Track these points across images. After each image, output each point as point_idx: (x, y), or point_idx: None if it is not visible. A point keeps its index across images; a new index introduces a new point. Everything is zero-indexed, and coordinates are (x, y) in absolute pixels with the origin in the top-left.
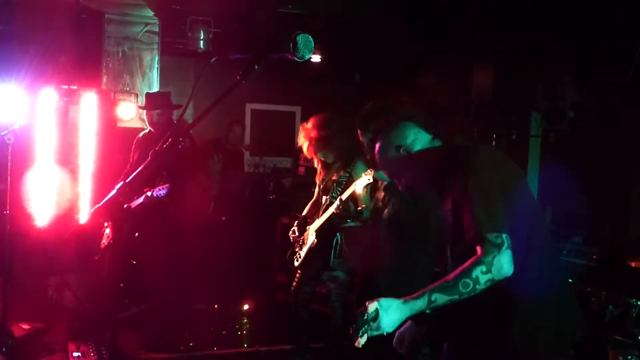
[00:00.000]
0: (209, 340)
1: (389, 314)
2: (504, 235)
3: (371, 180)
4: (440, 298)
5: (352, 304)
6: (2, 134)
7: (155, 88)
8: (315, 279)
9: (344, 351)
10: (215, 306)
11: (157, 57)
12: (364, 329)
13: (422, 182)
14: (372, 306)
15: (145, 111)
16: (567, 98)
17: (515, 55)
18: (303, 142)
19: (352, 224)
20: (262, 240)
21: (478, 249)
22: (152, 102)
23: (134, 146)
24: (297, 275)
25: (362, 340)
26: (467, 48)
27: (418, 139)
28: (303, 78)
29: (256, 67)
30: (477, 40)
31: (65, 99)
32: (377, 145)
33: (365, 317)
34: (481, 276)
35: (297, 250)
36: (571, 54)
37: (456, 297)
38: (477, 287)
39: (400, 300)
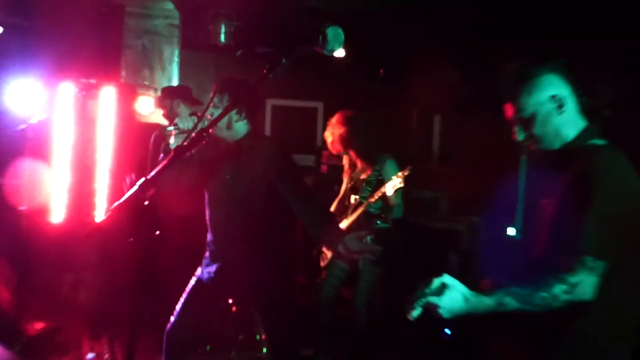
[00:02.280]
0: (226, 342)
1: (454, 296)
2: (602, 263)
3: (402, 185)
4: (511, 303)
5: (377, 309)
6: (20, 127)
7: (175, 82)
8: (340, 281)
9: (368, 358)
10: (234, 308)
11: (177, 51)
12: (421, 301)
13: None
14: (438, 280)
15: (161, 105)
16: (603, 95)
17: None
18: (329, 137)
19: (382, 225)
20: (282, 240)
21: (565, 264)
22: (170, 93)
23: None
24: (322, 275)
25: (414, 313)
26: (495, 45)
27: (567, 97)
28: (325, 73)
29: (284, 60)
30: (512, 37)
31: (83, 92)
32: (522, 101)
33: (428, 289)
34: (561, 295)
35: (323, 250)
36: (607, 50)
37: (527, 307)
38: (553, 304)
39: (470, 292)
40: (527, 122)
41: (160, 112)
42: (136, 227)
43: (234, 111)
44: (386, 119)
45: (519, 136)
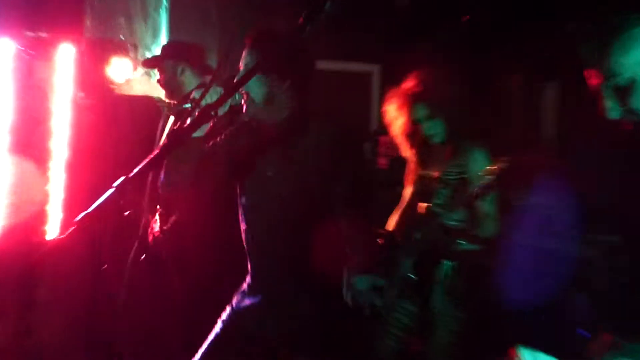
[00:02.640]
0: None
1: None
2: None
3: (495, 186)
4: None
5: None
6: None
7: (163, 36)
8: (406, 330)
9: None
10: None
11: None
12: None
13: None
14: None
15: (157, 71)
16: None
17: None
18: (393, 115)
19: (467, 246)
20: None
21: None
22: (173, 52)
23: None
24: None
25: None
26: None
27: None
28: (382, 21)
29: (327, 5)
30: None
31: (29, 52)
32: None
33: None
34: None
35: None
36: None
37: None
38: None
39: None
40: (624, 91)
41: (149, 78)
42: (111, 249)
43: (275, 78)
44: (472, 89)
45: (612, 112)
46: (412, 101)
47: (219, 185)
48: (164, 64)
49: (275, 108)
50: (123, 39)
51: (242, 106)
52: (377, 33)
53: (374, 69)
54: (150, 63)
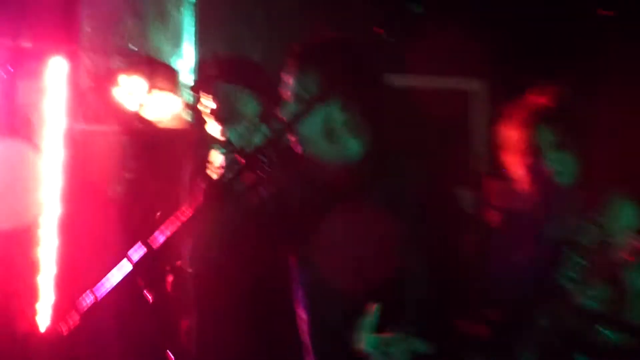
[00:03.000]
0: None
1: None
2: None
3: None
4: None
5: None
6: None
7: (188, 44)
8: None
9: None
10: None
11: None
12: None
13: None
14: None
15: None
16: None
17: None
18: (511, 136)
19: (610, 336)
20: None
21: None
22: (225, 70)
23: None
24: None
25: None
26: None
27: None
28: (485, 26)
29: (416, 5)
30: None
31: (8, 68)
32: None
33: None
34: None
35: None
36: None
37: None
38: None
39: None
40: None
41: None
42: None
43: (339, 107)
44: (610, 116)
45: None
46: (539, 122)
47: (265, 255)
48: (215, 87)
49: (339, 146)
50: (133, 48)
51: (294, 145)
52: (480, 41)
53: (475, 86)
54: (201, 87)
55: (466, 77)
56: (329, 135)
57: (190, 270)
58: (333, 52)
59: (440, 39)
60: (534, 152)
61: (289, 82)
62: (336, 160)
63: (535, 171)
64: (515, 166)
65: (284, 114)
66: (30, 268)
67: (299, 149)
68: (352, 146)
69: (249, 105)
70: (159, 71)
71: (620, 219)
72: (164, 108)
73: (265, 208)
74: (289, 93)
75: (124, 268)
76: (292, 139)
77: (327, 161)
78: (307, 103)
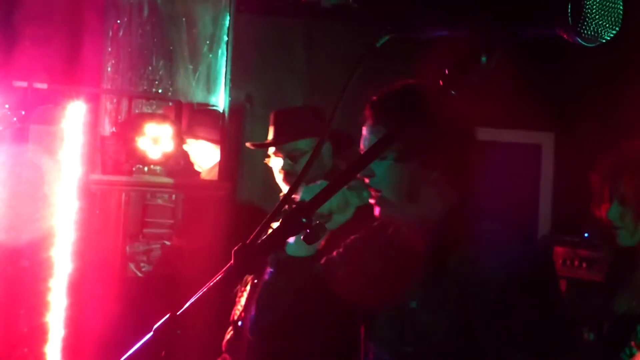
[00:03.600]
0: None
1: None
2: None
3: None
4: None
5: None
6: None
7: (221, 84)
8: None
9: None
10: None
11: (227, 19)
12: None
13: None
14: None
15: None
16: None
17: None
18: (597, 189)
19: None
20: None
21: None
22: (292, 127)
23: None
24: None
25: None
26: None
27: None
28: (560, 80)
29: (483, 58)
30: None
31: (18, 112)
32: None
33: None
34: None
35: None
36: None
37: None
38: None
39: None
40: None
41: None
42: None
43: (418, 164)
44: None
45: None
46: (614, 172)
47: (332, 324)
48: (294, 144)
49: (421, 206)
50: (161, 92)
51: (371, 206)
52: (550, 93)
53: (547, 138)
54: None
55: (538, 129)
56: (411, 195)
57: (250, 337)
58: (413, 103)
59: (509, 91)
60: (604, 203)
61: (367, 137)
62: (417, 220)
63: (603, 224)
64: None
65: (363, 172)
66: (37, 332)
67: (377, 211)
68: (434, 206)
69: (325, 158)
70: (193, 117)
71: None
72: (198, 158)
73: (336, 270)
74: (362, 148)
75: (145, 339)
76: (372, 200)
77: (406, 223)
78: (369, 153)
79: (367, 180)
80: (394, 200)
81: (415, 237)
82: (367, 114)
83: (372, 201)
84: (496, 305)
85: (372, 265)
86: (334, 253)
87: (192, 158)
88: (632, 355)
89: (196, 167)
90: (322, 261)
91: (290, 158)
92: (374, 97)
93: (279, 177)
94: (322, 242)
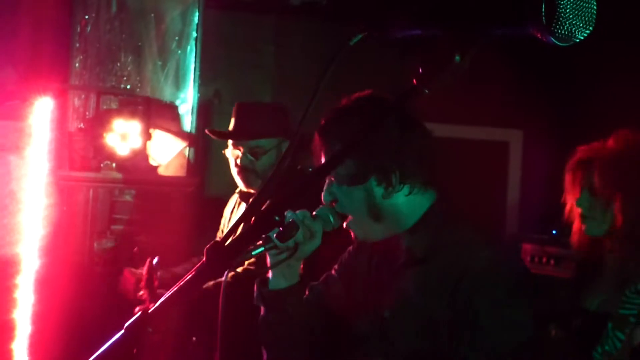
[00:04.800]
0: None
1: None
2: None
3: None
4: None
5: None
6: None
7: (190, 80)
8: None
9: None
10: None
11: (196, 15)
12: None
13: None
14: None
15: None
16: None
17: None
18: (568, 188)
19: None
20: None
21: None
22: (257, 124)
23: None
24: None
25: None
26: None
27: None
28: (527, 78)
29: (457, 57)
30: None
31: None
32: None
33: None
34: None
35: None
36: None
37: None
38: None
39: None
40: None
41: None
42: None
43: (379, 179)
44: None
45: None
46: (586, 163)
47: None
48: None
49: (388, 223)
50: (129, 88)
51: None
52: (516, 90)
53: (515, 135)
54: (234, 137)
55: (505, 126)
56: (373, 215)
57: None
58: (363, 120)
59: (479, 89)
60: (574, 194)
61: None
62: (385, 233)
63: (571, 215)
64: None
65: (327, 197)
66: (4, 329)
67: (352, 234)
68: (401, 221)
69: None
70: (158, 113)
71: None
72: (163, 154)
73: (335, 290)
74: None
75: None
76: (346, 224)
77: (372, 236)
78: (344, 185)
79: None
80: (359, 221)
81: (389, 251)
82: (317, 140)
83: (345, 225)
84: (465, 313)
85: (359, 278)
86: (332, 270)
87: (150, 151)
88: (603, 353)
89: (151, 161)
90: (322, 279)
91: (251, 154)
92: (322, 122)
93: (234, 170)
94: (300, 267)
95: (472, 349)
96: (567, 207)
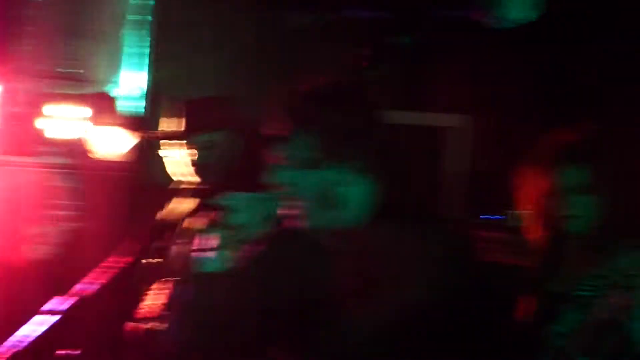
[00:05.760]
0: None
1: None
2: None
3: None
4: None
5: None
6: None
7: (130, 65)
8: None
9: None
10: None
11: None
12: None
13: None
14: None
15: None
16: None
17: None
18: (532, 175)
19: None
20: None
21: None
22: (203, 117)
23: None
24: None
25: None
26: None
27: None
28: (471, 63)
29: (403, 40)
30: None
31: None
32: None
33: None
34: None
35: None
36: None
37: None
38: None
39: None
40: None
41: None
42: None
43: (334, 160)
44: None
45: None
46: (567, 160)
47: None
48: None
49: (342, 210)
50: (73, 73)
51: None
52: (464, 77)
53: (457, 121)
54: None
55: (447, 111)
56: (329, 201)
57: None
58: (322, 105)
59: (425, 74)
60: (552, 194)
61: (276, 145)
62: (338, 226)
63: (548, 215)
64: (526, 208)
65: (272, 180)
66: None
67: (295, 221)
68: (355, 207)
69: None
70: (99, 98)
71: (627, 271)
72: (104, 139)
73: (258, 270)
74: (277, 157)
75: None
76: (289, 210)
77: (328, 229)
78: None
79: (282, 190)
80: (313, 208)
81: (338, 240)
82: (270, 124)
83: (289, 211)
84: (417, 304)
85: (294, 263)
86: (255, 252)
87: (95, 143)
88: (558, 333)
89: (97, 153)
90: (243, 259)
91: (204, 149)
92: (284, 104)
93: (187, 168)
94: (241, 259)
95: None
96: (530, 198)
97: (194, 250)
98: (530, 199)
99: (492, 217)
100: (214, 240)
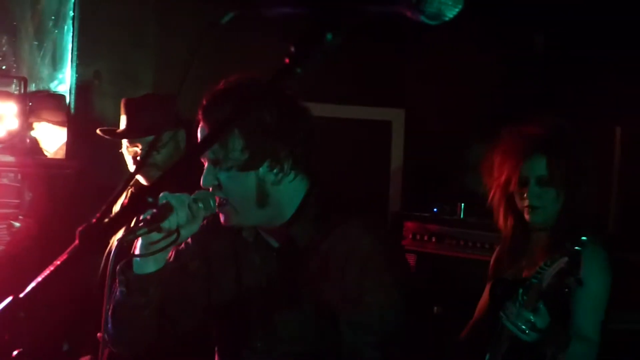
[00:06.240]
0: None
1: None
2: None
3: None
4: None
5: None
6: None
7: (68, 60)
8: None
9: None
10: None
11: None
12: None
13: None
14: None
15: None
16: None
17: None
18: (499, 163)
19: None
20: None
21: None
22: (142, 119)
23: None
24: None
25: None
26: None
27: None
28: (408, 57)
29: (329, 37)
30: None
31: None
32: None
33: None
34: None
35: None
36: None
37: None
38: None
39: None
40: None
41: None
42: None
43: (268, 160)
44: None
45: None
46: (533, 150)
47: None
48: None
49: (270, 209)
50: (5, 68)
51: (222, 216)
52: (401, 70)
53: (397, 115)
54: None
55: (388, 106)
56: (258, 200)
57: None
58: (259, 96)
59: (361, 67)
60: (515, 184)
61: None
62: (267, 224)
63: (509, 205)
64: (492, 198)
65: (207, 183)
66: None
67: (224, 219)
68: (284, 205)
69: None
70: (36, 96)
71: (586, 266)
72: (43, 141)
73: (190, 267)
74: (211, 158)
75: None
76: (220, 209)
77: (258, 227)
78: (232, 170)
79: (213, 190)
80: (242, 207)
81: (268, 238)
82: (205, 122)
83: (219, 210)
84: (346, 297)
85: (224, 260)
86: (183, 245)
87: (38, 141)
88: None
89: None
90: (171, 254)
91: (146, 149)
92: (204, 102)
93: (131, 167)
94: (170, 254)
95: (350, 327)
96: (493, 192)
97: (130, 250)
98: (492, 190)
99: (444, 209)
100: (148, 239)
